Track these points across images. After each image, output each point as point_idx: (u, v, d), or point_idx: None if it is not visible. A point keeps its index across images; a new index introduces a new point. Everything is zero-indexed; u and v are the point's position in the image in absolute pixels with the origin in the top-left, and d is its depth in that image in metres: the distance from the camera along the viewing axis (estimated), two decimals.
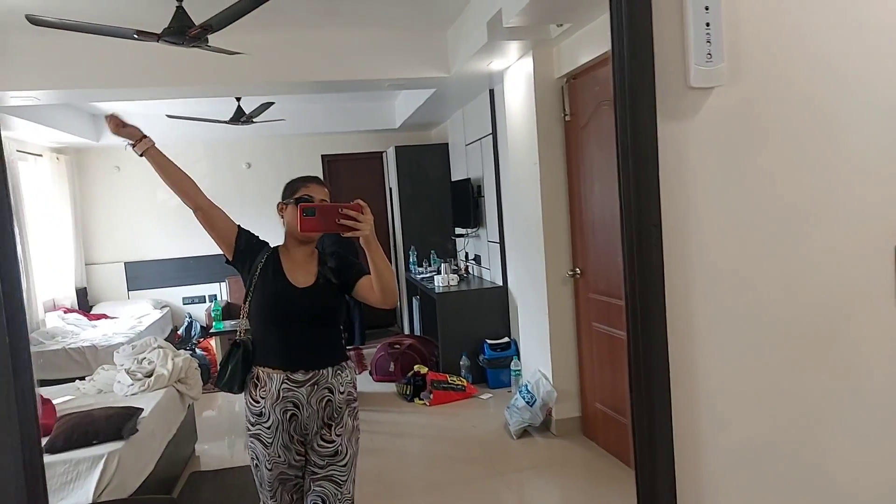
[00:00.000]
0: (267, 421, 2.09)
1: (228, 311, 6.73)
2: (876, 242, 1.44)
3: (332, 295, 2.16)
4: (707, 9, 1.28)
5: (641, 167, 1.21)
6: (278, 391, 2.07)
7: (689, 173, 1.31)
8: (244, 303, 2.16)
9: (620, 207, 1.25)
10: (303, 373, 2.08)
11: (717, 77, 1.31)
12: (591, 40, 3.49)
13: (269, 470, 2.11)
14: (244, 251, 2.15)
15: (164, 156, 2.16)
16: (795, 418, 1.43)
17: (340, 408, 2.14)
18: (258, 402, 2.10)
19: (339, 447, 2.12)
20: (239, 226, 2.19)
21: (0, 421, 1.01)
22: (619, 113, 1.24)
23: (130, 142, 2.11)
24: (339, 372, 2.14)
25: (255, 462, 2.15)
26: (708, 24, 1.28)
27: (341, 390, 2.14)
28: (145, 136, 2.13)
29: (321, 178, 2.23)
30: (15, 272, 1.03)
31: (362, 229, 1.90)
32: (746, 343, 1.39)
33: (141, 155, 2.12)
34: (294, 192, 2.15)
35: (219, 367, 2.16)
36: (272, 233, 2.30)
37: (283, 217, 2.19)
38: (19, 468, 1.02)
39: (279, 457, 2.10)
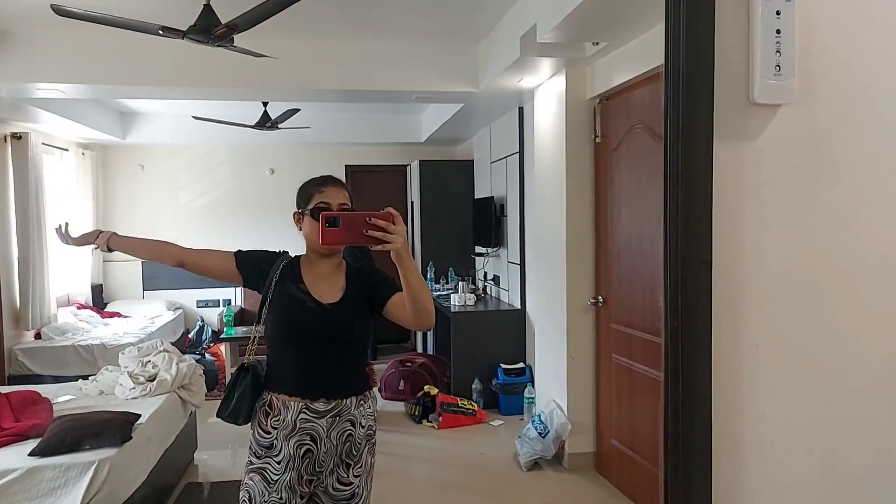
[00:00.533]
0: (278, 455, 1.84)
1: (241, 317, 6.65)
2: None
3: (361, 314, 1.91)
4: (779, 14, 1.10)
5: (692, 193, 1.03)
6: (294, 421, 1.83)
7: (748, 203, 1.13)
8: (257, 322, 1.92)
9: (666, 239, 1.08)
10: (324, 402, 1.84)
11: (786, 94, 1.13)
12: (627, 61, 3.36)
13: None
14: (253, 270, 1.94)
15: (129, 238, 2.06)
16: (854, 489, 1.24)
17: (360, 443, 1.91)
18: (269, 433, 1.86)
19: (357, 489, 1.90)
20: (237, 251, 1.98)
21: None
22: (670, 129, 1.07)
23: (93, 245, 2.01)
24: (362, 402, 1.92)
25: (246, 502, 1.87)
26: (779, 32, 1.10)
27: (363, 423, 1.91)
28: (101, 232, 2.01)
29: (338, 178, 1.97)
30: None
31: (394, 241, 1.63)
32: (805, 407, 1.20)
33: (109, 250, 2.00)
34: (309, 198, 1.90)
35: (224, 395, 1.91)
36: (295, 240, 2.10)
37: (300, 227, 1.96)
38: None
39: (281, 499, 1.83)
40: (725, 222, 1.12)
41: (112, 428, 2.83)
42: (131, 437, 2.89)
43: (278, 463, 1.83)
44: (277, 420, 1.84)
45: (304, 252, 1.98)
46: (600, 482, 3.77)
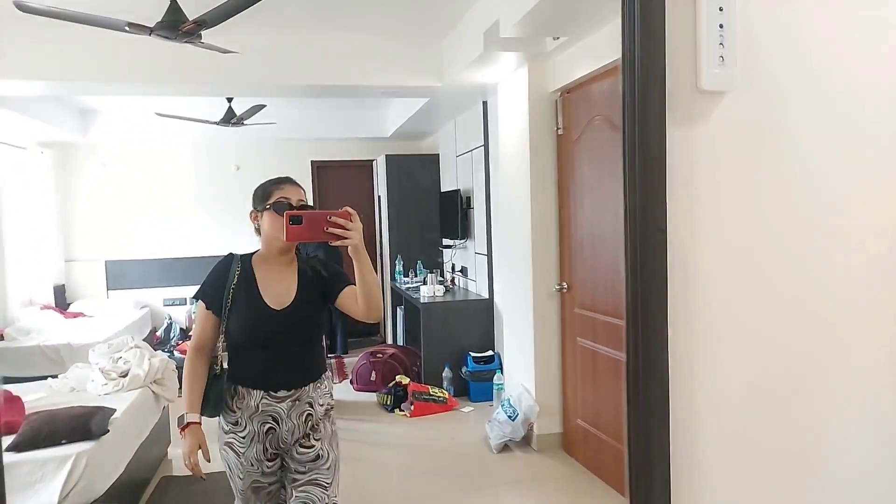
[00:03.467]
0: (242, 430, 1.99)
1: None
2: (892, 255, 1.41)
3: (314, 311, 2.05)
4: (721, 9, 1.24)
5: (648, 169, 1.16)
6: (257, 405, 1.98)
7: (698, 180, 1.27)
8: (221, 329, 1.99)
9: (625, 212, 1.21)
10: (284, 391, 1.99)
11: (730, 81, 1.27)
12: (587, 55, 3.50)
13: (241, 479, 2.02)
14: (217, 299, 1.99)
15: (190, 398, 2.02)
16: (801, 450, 1.39)
17: (320, 419, 2.06)
18: (234, 412, 2.00)
19: (321, 451, 2.04)
20: (198, 298, 2.03)
21: None
22: (626, 113, 1.20)
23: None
24: (318, 386, 2.06)
25: (228, 472, 2.06)
26: (721, 26, 1.24)
27: (321, 402, 2.06)
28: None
29: (293, 178, 2.09)
30: None
31: (352, 238, 1.80)
32: (753, 363, 1.34)
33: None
34: (267, 196, 2.00)
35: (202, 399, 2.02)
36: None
37: (257, 225, 2.05)
38: None
39: (252, 465, 2.00)
40: (678, 196, 1.26)
41: (88, 421, 2.85)
42: (108, 431, 2.91)
43: (243, 438, 1.98)
44: (242, 402, 1.98)
45: (258, 252, 2.07)
46: (567, 461, 3.92)
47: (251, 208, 2.06)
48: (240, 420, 2.00)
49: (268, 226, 1.99)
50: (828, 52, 1.37)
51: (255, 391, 1.98)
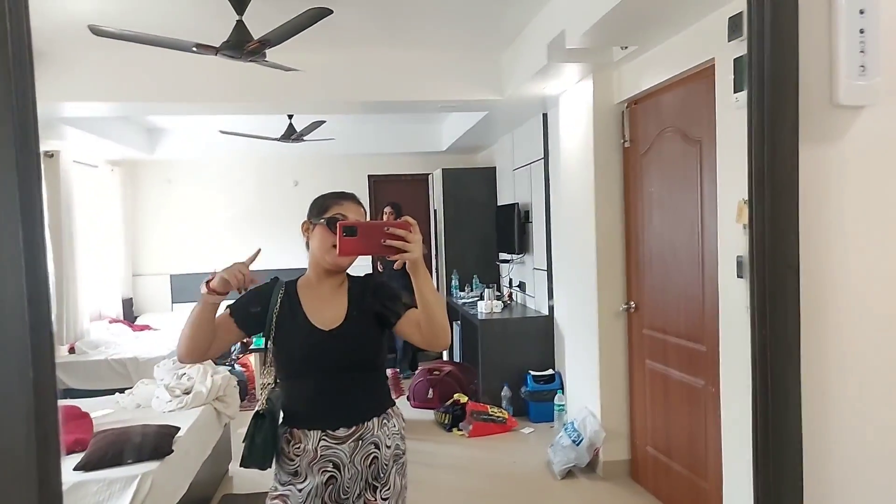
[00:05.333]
0: (302, 482, 1.75)
1: None
2: None
3: (370, 332, 1.81)
4: (862, 12, 1.07)
5: (778, 199, 1.00)
6: (315, 449, 1.75)
7: (834, 207, 1.10)
8: (264, 362, 1.84)
9: (751, 246, 1.04)
10: (344, 429, 1.77)
11: (872, 94, 1.10)
12: (656, 64, 3.34)
13: None
14: (250, 315, 1.80)
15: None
16: None
17: (387, 465, 1.82)
18: (293, 461, 1.77)
19: None
20: (231, 309, 1.82)
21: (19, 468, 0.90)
22: (754, 133, 1.04)
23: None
24: (385, 422, 1.83)
25: None
26: (862, 31, 1.07)
27: (388, 444, 1.82)
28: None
29: (358, 196, 1.87)
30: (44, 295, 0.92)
31: (412, 251, 1.58)
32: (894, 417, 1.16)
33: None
34: (324, 209, 1.79)
35: (246, 443, 1.81)
36: None
37: (307, 238, 1.84)
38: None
39: None
40: (810, 227, 1.10)
41: (154, 441, 2.87)
42: (172, 451, 2.92)
43: (300, 491, 1.76)
44: (299, 448, 1.77)
45: (305, 274, 1.88)
46: (636, 490, 3.73)
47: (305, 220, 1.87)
48: (299, 470, 1.77)
49: (318, 242, 1.78)
50: None
51: (310, 432, 1.77)
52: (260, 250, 1.81)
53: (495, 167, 6.89)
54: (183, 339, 1.72)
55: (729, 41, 2.45)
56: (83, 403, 3.71)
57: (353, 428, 1.78)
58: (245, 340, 6.98)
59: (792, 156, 1.01)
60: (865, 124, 1.13)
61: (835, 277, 1.12)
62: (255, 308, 1.82)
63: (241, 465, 1.82)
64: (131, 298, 7.31)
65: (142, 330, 6.63)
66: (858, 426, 1.15)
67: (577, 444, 3.87)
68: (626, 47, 3.32)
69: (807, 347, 1.08)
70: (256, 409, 1.83)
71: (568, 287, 4.50)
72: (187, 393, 3.64)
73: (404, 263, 1.62)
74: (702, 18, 2.84)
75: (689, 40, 2.99)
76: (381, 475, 1.82)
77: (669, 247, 3.41)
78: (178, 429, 3.10)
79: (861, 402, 1.15)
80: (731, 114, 2.52)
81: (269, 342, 1.79)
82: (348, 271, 1.90)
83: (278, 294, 1.82)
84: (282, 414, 1.83)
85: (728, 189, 2.59)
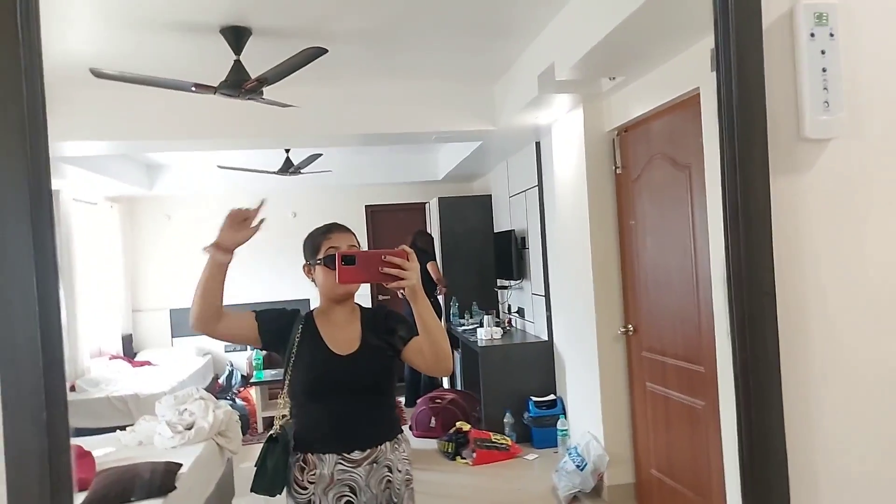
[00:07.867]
0: None
1: (270, 361, 6.69)
2: None
3: (383, 358, 1.89)
4: (823, 52, 1.16)
5: (752, 228, 1.06)
6: (331, 474, 1.78)
7: (805, 236, 1.16)
8: (283, 386, 1.88)
9: (728, 274, 1.10)
10: (359, 451, 1.81)
11: (836, 128, 1.18)
12: (644, 93, 3.43)
13: None
14: (274, 329, 1.88)
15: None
16: None
17: (399, 490, 1.86)
18: (305, 489, 1.79)
19: None
20: (257, 313, 1.90)
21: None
22: (727, 166, 1.11)
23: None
24: (396, 447, 1.88)
25: None
26: (825, 70, 1.16)
27: (400, 468, 1.87)
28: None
29: (343, 224, 1.96)
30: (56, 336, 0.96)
31: (408, 279, 1.63)
32: (877, 434, 1.20)
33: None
34: (316, 249, 1.90)
35: (256, 468, 1.83)
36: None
37: (311, 278, 1.94)
38: None
39: None
40: (784, 254, 1.15)
41: (156, 478, 2.87)
42: (175, 487, 2.92)
43: None
44: (314, 475, 1.79)
45: (318, 306, 1.96)
46: None
47: (304, 261, 1.96)
48: (312, 499, 1.79)
49: (322, 279, 1.88)
50: None
51: (326, 456, 1.80)
52: (265, 200, 1.88)
53: (491, 195, 6.96)
54: (193, 303, 1.79)
55: (711, 71, 2.52)
56: (85, 442, 3.70)
57: (368, 451, 1.83)
58: (245, 374, 6.98)
59: (764, 187, 1.08)
60: (832, 155, 1.20)
61: (809, 301, 1.17)
62: (278, 324, 1.90)
63: (251, 490, 1.84)
64: (131, 334, 7.31)
65: (142, 366, 6.63)
66: (841, 442, 1.19)
67: (582, 469, 3.86)
68: (615, 78, 3.41)
69: (787, 368, 1.13)
70: (270, 433, 1.87)
71: (566, 312, 4.53)
72: (189, 428, 3.64)
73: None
74: (685, 50, 2.92)
75: (675, 70, 3.08)
76: (395, 500, 1.85)
77: (664, 270, 3.46)
78: (180, 465, 3.10)
79: (844, 416, 1.20)
80: (717, 141, 2.58)
81: (288, 368, 1.85)
82: (358, 301, 1.98)
83: (299, 325, 1.90)
84: (293, 443, 1.85)
85: (717, 213, 2.62)
